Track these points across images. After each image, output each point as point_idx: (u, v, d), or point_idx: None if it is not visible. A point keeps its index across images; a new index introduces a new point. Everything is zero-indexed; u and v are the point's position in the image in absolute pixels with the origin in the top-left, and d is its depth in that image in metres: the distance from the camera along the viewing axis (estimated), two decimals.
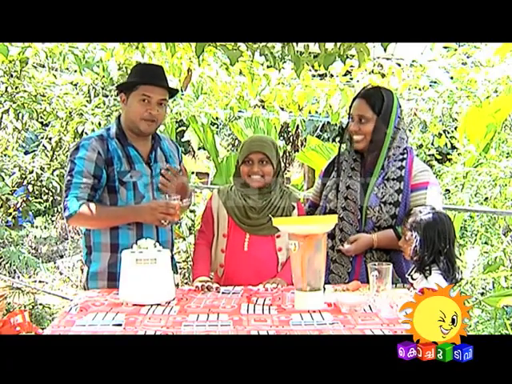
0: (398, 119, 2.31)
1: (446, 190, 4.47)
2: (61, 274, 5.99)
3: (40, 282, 5.68)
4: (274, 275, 2.30)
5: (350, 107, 2.38)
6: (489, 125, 4.36)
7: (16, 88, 3.93)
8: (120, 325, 1.71)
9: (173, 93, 2.39)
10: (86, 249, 2.36)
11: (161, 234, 2.34)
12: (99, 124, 4.14)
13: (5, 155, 4.49)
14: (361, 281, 2.16)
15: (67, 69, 4.30)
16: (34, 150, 4.56)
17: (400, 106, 2.36)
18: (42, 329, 2.15)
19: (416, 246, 2.07)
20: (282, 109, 4.91)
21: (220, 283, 2.24)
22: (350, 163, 2.39)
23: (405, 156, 2.32)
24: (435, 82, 4.47)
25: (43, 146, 4.44)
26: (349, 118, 2.38)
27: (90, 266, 2.34)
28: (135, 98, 2.27)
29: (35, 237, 7.14)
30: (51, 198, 4.48)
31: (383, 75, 4.21)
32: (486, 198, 4.26)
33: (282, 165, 2.50)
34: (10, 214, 4.47)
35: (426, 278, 2.03)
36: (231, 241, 2.36)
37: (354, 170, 2.37)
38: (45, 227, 7.52)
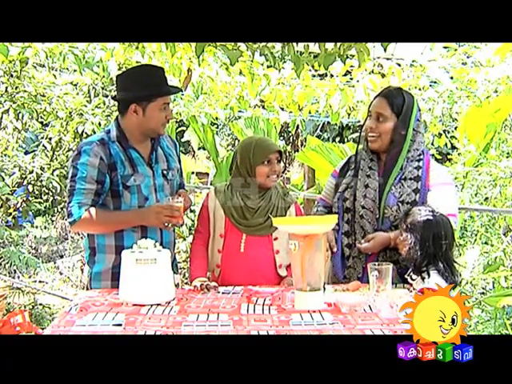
0: (417, 122, 2.31)
1: None
2: (61, 274, 5.99)
3: (40, 281, 5.67)
4: (270, 277, 2.31)
5: (370, 106, 2.38)
6: (489, 125, 4.34)
7: (16, 88, 3.93)
8: (120, 325, 1.71)
9: None
10: (88, 250, 2.36)
11: (164, 235, 2.35)
12: (99, 124, 4.14)
13: (5, 155, 4.48)
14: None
15: (67, 69, 4.30)
16: (34, 150, 4.56)
17: (420, 110, 2.35)
18: (42, 329, 2.15)
19: (410, 248, 2.06)
20: (282, 109, 4.91)
21: (217, 283, 2.23)
22: (367, 162, 2.37)
23: (421, 157, 2.32)
24: (435, 82, 4.47)
25: (43, 146, 4.44)
26: (367, 116, 2.38)
27: (94, 267, 2.34)
28: (156, 108, 2.25)
29: (35, 237, 7.13)
30: (51, 198, 4.48)
31: (383, 75, 4.21)
32: (486, 198, 4.25)
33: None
34: (10, 213, 4.47)
35: (423, 279, 2.02)
36: (228, 241, 2.35)
37: (371, 169, 2.36)
38: (45, 227, 7.51)
